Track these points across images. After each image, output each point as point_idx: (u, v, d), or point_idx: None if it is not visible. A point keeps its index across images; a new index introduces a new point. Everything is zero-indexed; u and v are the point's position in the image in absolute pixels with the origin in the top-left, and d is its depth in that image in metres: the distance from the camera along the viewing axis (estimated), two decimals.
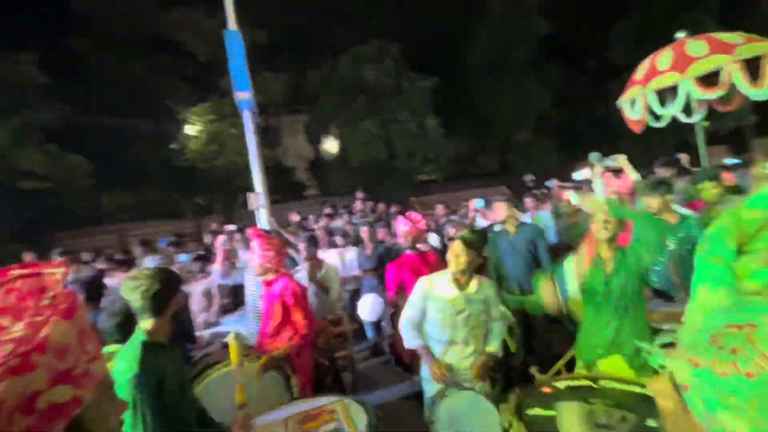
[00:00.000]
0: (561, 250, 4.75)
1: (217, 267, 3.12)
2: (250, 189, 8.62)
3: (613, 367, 2.08)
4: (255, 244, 2.49)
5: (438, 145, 17.30)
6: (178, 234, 7.99)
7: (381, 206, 7.64)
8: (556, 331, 3.65)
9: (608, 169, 4.38)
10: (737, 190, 3.98)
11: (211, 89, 15.20)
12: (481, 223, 5.42)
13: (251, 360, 2.14)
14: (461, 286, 2.23)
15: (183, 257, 5.45)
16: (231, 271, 3.80)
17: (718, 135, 18.50)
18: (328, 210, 7.59)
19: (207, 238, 7.02)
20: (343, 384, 3.01)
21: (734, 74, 3.71)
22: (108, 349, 1.83)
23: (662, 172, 4.56)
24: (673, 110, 4.27)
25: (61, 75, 13.46)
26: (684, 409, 0.72)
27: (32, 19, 14.02)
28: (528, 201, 5.20)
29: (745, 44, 3.84)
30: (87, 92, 14.40)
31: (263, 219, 8.40)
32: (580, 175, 5.92)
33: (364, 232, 5.03)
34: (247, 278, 3.28)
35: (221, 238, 3.17)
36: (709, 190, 3.26)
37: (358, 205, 7.70)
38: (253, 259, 2.49)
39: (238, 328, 3.70)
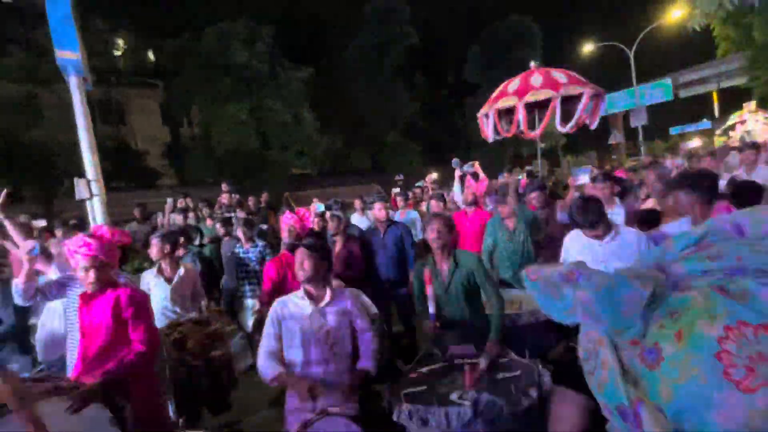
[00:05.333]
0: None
1: (18, 283, 2.10)
2: (79, 173, 6.96)
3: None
4: (72, 247, 1.91)
5: (313, 139, 17.00)
6: None
7: (251, 200, 7.02)
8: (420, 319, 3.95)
9: (467, 173, 4.95)
10: (556, 196, 4.97)
11: (20, 42, 11.77)
12: (358, 220, 5.49)
13: (62, 394, 1.66)
14: (315, 298, 2.02)
15: None
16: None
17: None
18: (181, 203, 6.64)
19: (14, 233, 5.34)
20: (223, 383, 2.64)
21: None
22: None
23: (506, 177, 5.38)
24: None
25: None
26: None
27: None
28: (398, 200, 5.50)
29: (587, 82, 4.78)
30: None
31: (97, 211, 6.87)
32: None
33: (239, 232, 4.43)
34: (70, 293, 2.47)
35: (26, 245, 2.08)
36: (537, 198, 3.94)
37: (223, 198, 6.91)
38: (80, 265, 1.89)
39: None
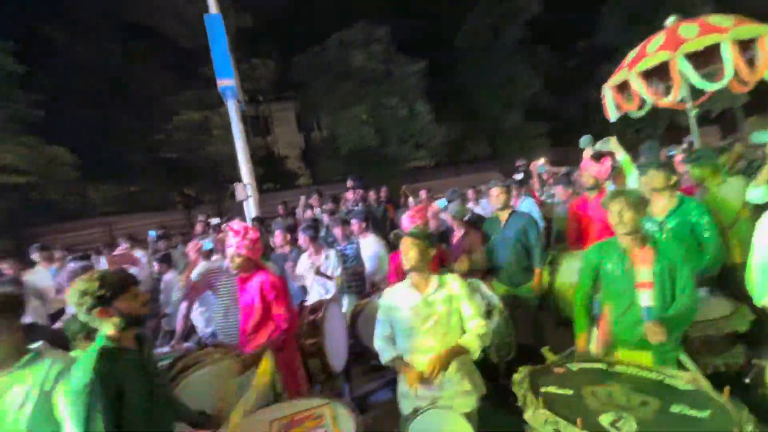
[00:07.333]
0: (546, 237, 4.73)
1: (180, 283, 2.63)
2: (239, 179, 8.44)
3: (636, 358, 1.91)
4: (229, 237, 2.38)
5: (429, 131, 17.09)
6: (165, 227, 7.80)
7: (371, 194, 7.46)
8: (546, 318, 3.65)
9: (599, 153, 4.33)
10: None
11: (196, 77, 14.80)
12: (477, 209, 5.37)
13: (230, 358, 2.08)
14: (420, 288, 2.01)
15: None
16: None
17: (709, 116, 18.58)
18: (313, 200, 7.40)
19: (198, 228, 6.85)
20: (311, 371, 2.92)
21: (728, 52, 3.63)
22: (74, 353, 1.74)
23: (648, 155, 4.50)
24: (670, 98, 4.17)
25: (37, 64, 12.94)
26: None
27: (4, 6, 13.43)
28: (513, 187, 5.14)
29: (736, 27, 3.77)
30: (65, 82, 13.90)
31: (252, 209, 8.26)
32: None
33: (336, 230, 4.45)
34: (214, 282, 3.06)
35: (192, 244, 2.58)
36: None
37: (349, 195, 7.48)
38: (228, 253, 2.38)
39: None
